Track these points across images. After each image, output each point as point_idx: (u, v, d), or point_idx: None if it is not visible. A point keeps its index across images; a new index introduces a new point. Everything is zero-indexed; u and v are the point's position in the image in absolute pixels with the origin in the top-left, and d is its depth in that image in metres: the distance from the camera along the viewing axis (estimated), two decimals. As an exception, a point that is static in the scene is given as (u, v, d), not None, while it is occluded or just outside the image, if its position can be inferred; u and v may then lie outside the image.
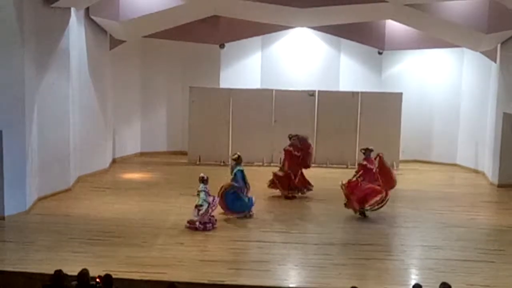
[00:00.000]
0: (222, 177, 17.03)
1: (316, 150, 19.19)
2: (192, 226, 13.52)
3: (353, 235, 13.64)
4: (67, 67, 15.61)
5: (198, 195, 13.70)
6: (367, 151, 15.05)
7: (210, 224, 13.62)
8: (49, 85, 15.18)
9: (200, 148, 19.64)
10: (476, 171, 19.23)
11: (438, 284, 8.91)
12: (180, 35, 19.30)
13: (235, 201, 14.48)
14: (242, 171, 14.65)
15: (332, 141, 19.43)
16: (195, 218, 13.54)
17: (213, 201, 13.76)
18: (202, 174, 13.86)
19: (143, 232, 13.33)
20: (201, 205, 13.53)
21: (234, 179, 14.59)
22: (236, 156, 14.93)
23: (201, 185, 13.73)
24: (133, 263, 11.58)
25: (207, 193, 13.70)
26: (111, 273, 9.22)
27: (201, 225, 13.49)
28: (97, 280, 9.03)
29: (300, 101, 19.65)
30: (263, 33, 19.99)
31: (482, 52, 18.11)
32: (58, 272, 9.05)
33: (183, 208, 14.90)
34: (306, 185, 16.32)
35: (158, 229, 13.50)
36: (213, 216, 13.80)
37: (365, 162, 14.89)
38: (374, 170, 14.68)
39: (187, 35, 19.39)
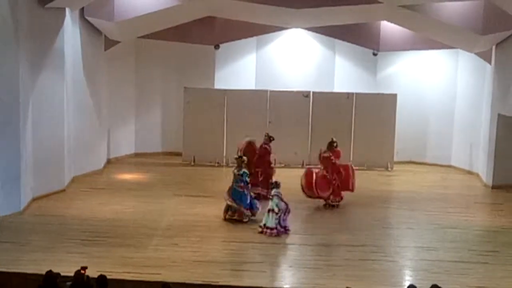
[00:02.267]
0: (216, 178, 17.09)
1: (311, 151, 19.20)
2: (268, 232, 13.35)
3: (347, 236, 13.63)
4: (62, 67, 15.57)
5: (271, 199, 13.66)
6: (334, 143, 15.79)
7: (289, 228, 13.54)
8: (43, 85, 15.14)
9: (194, 149, 19.60)
10: (470, 173, 19.26)
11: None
12: (175, 36, 19.31)
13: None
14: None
15: (326, 142, 19.36)
16: (271, 225, 13.40)
17: (286, 208, 13.59)
18: (274, 179, 13.68)
19: (137, 232, 13.30)
20: (273, 210, 13.44)
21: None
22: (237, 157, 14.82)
23: (274, 189, 13.66)
24: (128, 263, 11.56)
25: (280, 198, 13.58)
26: (105, 273, 9.19)
27: (281, 228, 13.38)
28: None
29: (295, 102, 19.65)
30: (258, 34, 20.03)
31: (477, 54, 18.14)
32: (49, 273, 9.03)
33: (177, 209, 14.92)
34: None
35: (152, 230, 13.47)
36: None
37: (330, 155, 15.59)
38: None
39: (182, 36, 19.39)
